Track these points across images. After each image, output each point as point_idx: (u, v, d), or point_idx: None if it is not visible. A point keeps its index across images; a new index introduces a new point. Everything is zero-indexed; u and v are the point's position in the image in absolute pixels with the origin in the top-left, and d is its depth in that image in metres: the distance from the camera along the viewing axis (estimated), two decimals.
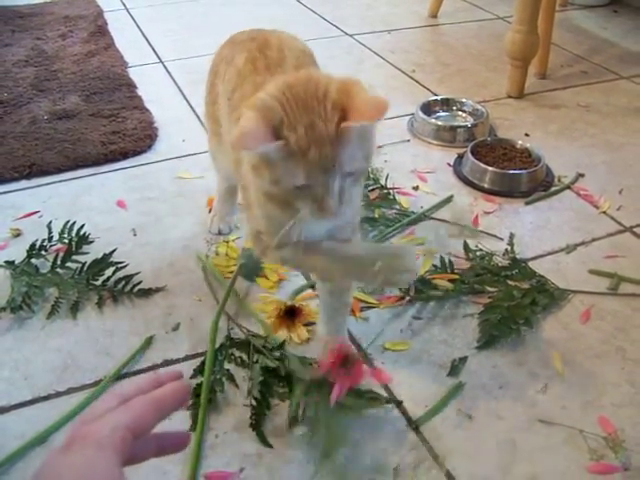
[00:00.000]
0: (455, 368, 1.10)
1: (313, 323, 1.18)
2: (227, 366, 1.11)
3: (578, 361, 1.12)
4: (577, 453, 0.97)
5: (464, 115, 1.91)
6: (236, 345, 1.15)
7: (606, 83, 2.12)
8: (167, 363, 1.13)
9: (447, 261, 1.30)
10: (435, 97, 1.95)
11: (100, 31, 2.51)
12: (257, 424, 1.01)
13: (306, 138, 0.78)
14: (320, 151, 0.79)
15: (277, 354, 1.10)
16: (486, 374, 1.10)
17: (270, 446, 0.98)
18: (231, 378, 1.09)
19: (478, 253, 1.34)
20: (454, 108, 1.93)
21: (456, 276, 1.28)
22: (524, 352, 1.14)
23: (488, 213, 1.50)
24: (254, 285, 1.29)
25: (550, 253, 1.37)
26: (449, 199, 1.54)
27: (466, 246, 1.36)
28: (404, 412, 1.04)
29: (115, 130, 1.81)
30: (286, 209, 0.86)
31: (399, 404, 1.05)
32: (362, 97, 0.80)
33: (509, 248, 1.35)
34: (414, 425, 1.01)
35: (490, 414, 1.03)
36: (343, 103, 0.80)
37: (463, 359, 1.12)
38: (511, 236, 1.38)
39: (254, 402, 1.03)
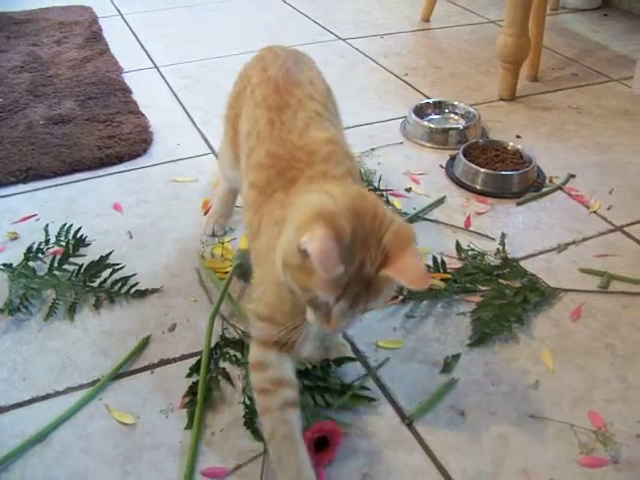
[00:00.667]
0: (448, 365, 1.12)
1: None
2: (223, 365, 1.13)
3: (569, 358, 1.14)
4: (568, 447, 0.99)
5: (456, 118, 1.93)
6: (231, 344, 1.17)
7: (597, 85, 2.14)
8: (163, 363, 1.15)
9: (440, 261, 1.32)
10: (427, 100, 1.97)
11: (95, 37, 2.52)
12: (251, 422, 1.02)
13: (354, 272, 0.81)
14: (356, 288, 0.82)
15: None
16: (479, 371, 1.12)
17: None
18: (227, 376, 1.11)
19: (470, 253, 1.36)
20: (446, 111, 1.95)
21: (448, 275, 1.30)
22: (516, 349, 1.16)
23: (480, 214, 1.51)
24: (249, 285, 1.31)
25: (541, 252, 1.39)
26: (441, 200, 1.56)
27: (458, 246, 1.38)
28: (397, 408, 1.05)
29: (111, 134, 1.82)
30: (299, 297, 0.87)
31: (392, 401, 1.06)
32: (411, 261, 0.81)
33: (500, 248, 1.37)
34: (408, 421, 1.03)
35: (482, 410, 1.05)
36: (391, 252, 0.82)
37: (456, 356, 1.14)
38: (502, 236, 1.40)
39: (247, 401, 1.04)
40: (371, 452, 0.99)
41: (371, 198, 0.87)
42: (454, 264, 1.34)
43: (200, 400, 1.05)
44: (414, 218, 1.48)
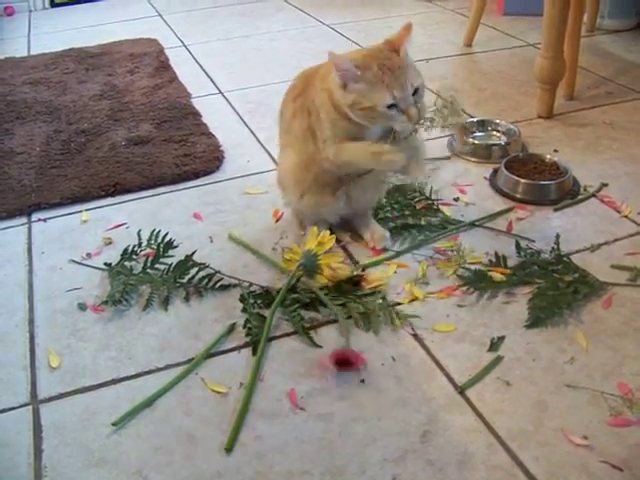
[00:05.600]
0: (494, 345, 1.29)
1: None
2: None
3: (601, 339, 1.30)
4: (599, 410, 1.15)
5: (498, 135, 2.10)
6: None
7: (630, 102, 2.29)
8: (248, 344, 1.34)
9: (501, 256, 1.50)
10: (472, 119, 2.15)
11: (163, 66, 2.76)
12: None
13: (381, 70, 1.30)
14: (393, 77, 1.30)
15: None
16: (521, 350, 1.28)
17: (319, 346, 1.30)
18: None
19: (528, 251, 1.53)
20: (489, 128, 2.12)
21: (508, 271, 1.47)
22: (554, 332, 1.32)
23: (521, 219, 1.68)
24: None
25: (577, 252, 1.54)
26: (510, 209, 1.72)
27: (518, 245, 1.54)
28: (451, 379, 1.23)
29: (186, 153, 2.03)
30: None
31: (446, 373, 1.24)
32: (398, 33, 1.35)
33: (555, 246, 1.52)
34: (460, 389, 1.20)
35: (524, 380, 1.22)
36: (395, 45, 1.33)
37: (501, 338, 1.31)
38: (557, 236, 1.54)
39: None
40: (430, 414, 1.16)
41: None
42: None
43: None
44: (474, 225, 1.66)
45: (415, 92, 1.33)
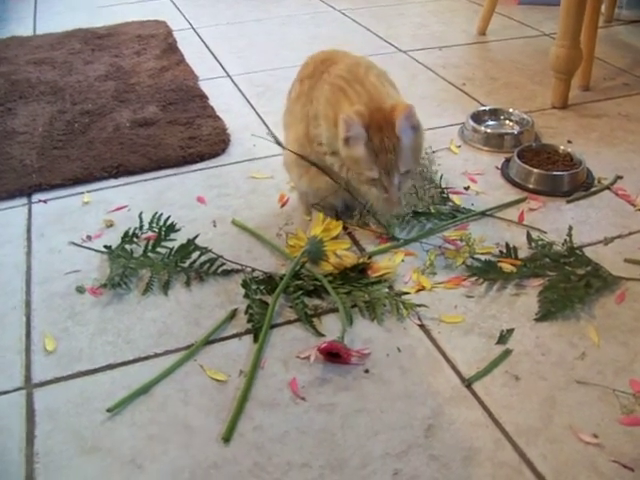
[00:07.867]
0: (503, 337, 1.25)
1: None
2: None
3: (613, 335, 1.26)
4: (610, 408, 1.11)
5: (511, 124, 2.05)
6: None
7: None
8: (249, 331, 1.30)
9: (511, 247, 1.46)
10: (484, 107, 2.10)
11: (171, 48, 2.72)
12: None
13: (379, 146, 1.32)
14: (385, 157, 1.33)
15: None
16: (530, 343, 1.24)
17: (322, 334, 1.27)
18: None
19: (540, 242, 1.49)
20: (502, 118, 2.07)
21: (519, 262, 1.43)
22: (564, 326, 1.28)
23: (533, 210, 1.63)
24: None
25: (589, 245, 1.50)
26: (523, 199, 1.67)
27: (529, 236, 1.51)
28: (458, 372, 1.19)
29: (192, 136, 1.99)
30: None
31: (453, 366, 1.20)
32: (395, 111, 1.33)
33: (567, 239, 1.48)
34: (467, 383, 1.16)
35: (533, 375, 1.18)
36: (392, 119, 1.32)
37: (510, 330, 1.27)
38: (570, 228, 1.50)
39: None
40: (435, 407, 1.12)
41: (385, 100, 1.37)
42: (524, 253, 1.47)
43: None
44: (484, 214, 1.62)
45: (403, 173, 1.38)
